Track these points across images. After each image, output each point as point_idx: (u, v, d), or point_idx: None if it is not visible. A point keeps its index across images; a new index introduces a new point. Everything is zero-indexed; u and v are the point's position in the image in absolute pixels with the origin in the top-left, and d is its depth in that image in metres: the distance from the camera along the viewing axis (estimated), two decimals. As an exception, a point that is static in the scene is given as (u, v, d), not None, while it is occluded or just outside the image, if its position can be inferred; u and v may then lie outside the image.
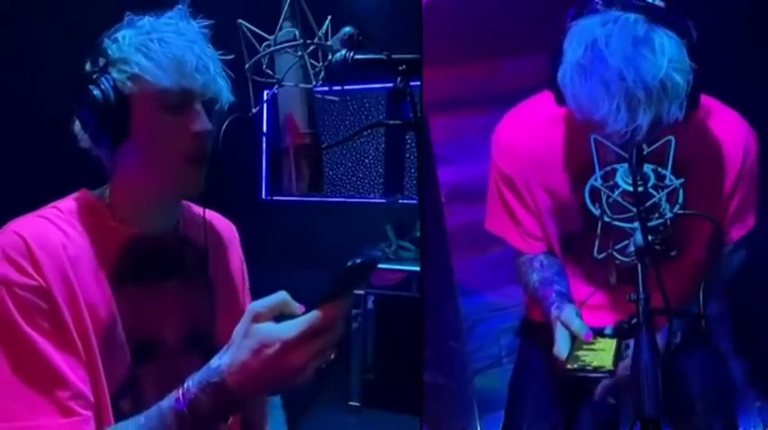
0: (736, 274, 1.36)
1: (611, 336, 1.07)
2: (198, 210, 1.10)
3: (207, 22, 1.00)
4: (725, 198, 1.24)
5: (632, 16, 1.04)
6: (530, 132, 1.32)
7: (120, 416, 0.91)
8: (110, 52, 0.94)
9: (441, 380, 1.70)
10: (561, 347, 1.12)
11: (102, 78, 0.93)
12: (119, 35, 0.95)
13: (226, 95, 1.00)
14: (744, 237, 1.30)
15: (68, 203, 0.99)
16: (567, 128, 1.26)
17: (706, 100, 1.23)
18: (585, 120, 1.06)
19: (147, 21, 0.97)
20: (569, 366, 1.03)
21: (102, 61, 0.94)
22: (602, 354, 1.03)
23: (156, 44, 0.93)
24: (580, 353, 1.05)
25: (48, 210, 0.96)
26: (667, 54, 1.01)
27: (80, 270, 0.91)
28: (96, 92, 0.92)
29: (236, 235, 1.21)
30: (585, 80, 1.04)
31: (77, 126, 0.99)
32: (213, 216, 1.16)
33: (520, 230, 1.38)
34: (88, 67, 0.97)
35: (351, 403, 3.17)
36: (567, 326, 1.13)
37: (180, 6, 0.99)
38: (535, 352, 1.47)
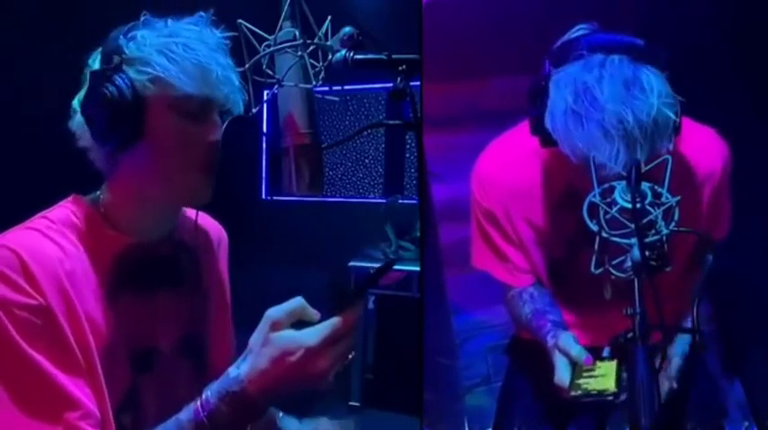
0: (723, 291, 1.37)
1: (609, 358, 1.07)
2: (190, 213, 1.07)
3: (229, 34, 0.96)
4: (707, 213, 1.25)
5: (616, 57, 1.05)
6: (508, 165, 1.32)
7: None
8: (126, 50, 0.89)
9: (430, 396, 1.70)
10: (562, 376, 1.11)
11: (117, 76, 0.88)
12: (137, 34, 0.90)
13: (240, 109, 0.98)
14: (726, 235, 1.32)
15: (59, 213, 0.94)
16: (544, 159, 1.27)
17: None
18: (582, 163, 1.07)
19: (167, 23, 0.93)
20: (573, 393, 1.03)
21: (116, 59, 0.89)
22: (603, 379, 1.03)
23: (181, 49, 0.89)
24: (582, 380, 1.05)
25: (38, 221, 0.91)
26: (656, 91, 1.02)
27: (77, 283, 0.88)
28: (112, 88, 0.87)
29: (225, 236, 1.19)
30: (582, 127, 1.04)
31: (76, 122, 0.94)
32: (204, 218, 1.13)
33: (507, 265, 1.38)
34: (97, 63, 0.92)
35: (351, 403, 3.17)
36: (566, 354, 1.13)
37: (202, 14, 0.95)
38: (524, 370, 1.47)
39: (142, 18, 0.93)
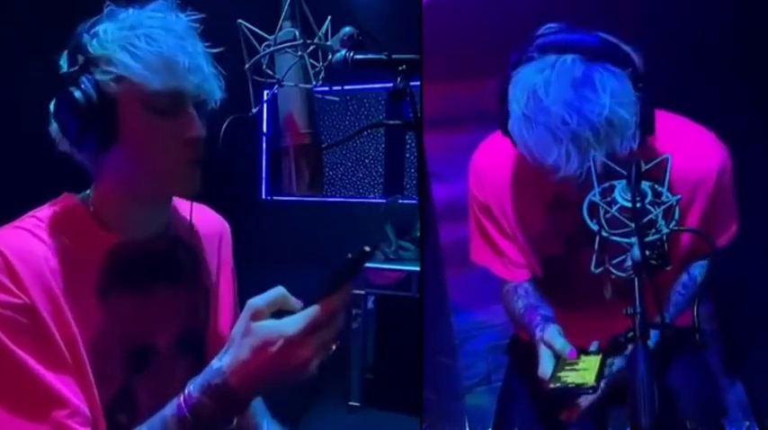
0: (726, 290, 1.37)
1: (595, 353, 1.07)
2: (187, 209, 1.06)
3: (196, 16, 0.93)
4: (701, 217, 1.25)
5: (569, 58, 1.04)
6: (503, 160, 1.32)
7: (117, 429, 0.89)
8: (90, 49, 0.86)
9: (430, 395, 1.70)
10: (545, 368, 1.11)
11: (83, 78, 0.86)
12: (99, 29, 0.87)
13: (218, 95, 0.95)
14: (729, 244, 1.31)
15: (49, 211, 0.93)
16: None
17: (678, 121, 1.24)
18: (538, 166, 1.07)
19: (130, 13, 0.89)
20: (552, 386, 1.04)
21: (80, 59, 0.87)
22: (584, 373, 1.03)
23: (143, 42, 0.86)
24: (562, 373, 1.05)
25: (27, 221, 0.91)
26: (609, 90, 1.01)
27: (64, 282, 0.87)
28: (77, 93, 0.85)
29: (228, 229, 1.17)
30: (531, 130, 1.04)
31: (54, 128, 0.92)
32: (204, 211, 1.11)
33: (503, 260, 1.38)
34: (64, 64, 0.90)
35: (351, 403, 3.17)
36: (550, 346, 1.13)
37: None
38: (523, 370, 1.46)
39: (105, 9, 0.90)
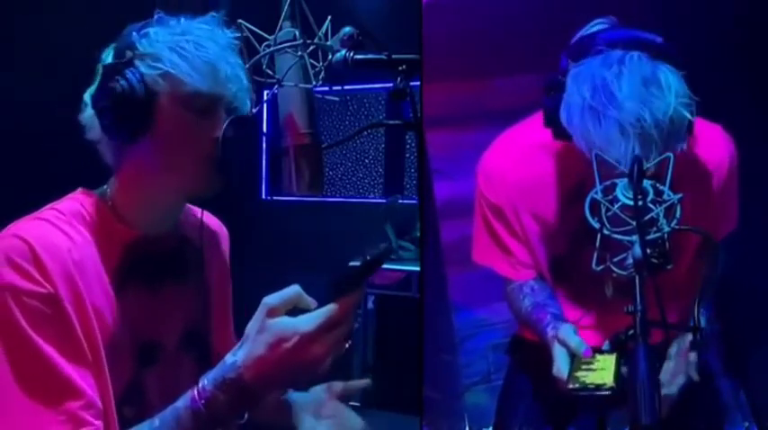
0: (726, 291, 1.37)
1: (609, 352, 1.07)
2: (193, 209, 1.09)
3: (239, 34, 0.98)
4: (712, 211, 1.25)
5: (635, 54, 1.04)
6: (516, 160, 1.32)
7: (124, 422, 0.90)
8: (139, 46, 0.91)
9: (432, 393, 1.70)
10: (561, 367, 1.10)
11: (128, 71, 0.90)
12: (149, 31, 0.92)
13: (248, 107, 0.99)
14: (726, 236, 1.32)
15: (68, 204, 0.95)
16: (552, 154, 1.27)
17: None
18: (599, 159, 1.06)
19: (179, 21, 0.95)
20: (571, 386, 1.03)
21: (128, 54, 0.91)
22: (602, 373, 1.02)
23: (192, 46, 0.91)
24: (580, 373, 1.04)
25: (47, 212, 0.92)
26: (674, 90, 1.02)
27: (85, 274, 0.88)
28: (122, 82, 0.89)
29: (227, 233, 1.20)
30: (599, 123, 1.03)
31: (87, 116, 0.96)
32: (206, 215, 1.14)
33: (510, 259, 1.37)
34: (110, 57, 0.94)
35: (351, 403, 3.17)
36: (565, 345, 1.12)
37: (214, 14, 0.97)
38: (524, 369, 1.47)
39: (156, 16, 0.95)
